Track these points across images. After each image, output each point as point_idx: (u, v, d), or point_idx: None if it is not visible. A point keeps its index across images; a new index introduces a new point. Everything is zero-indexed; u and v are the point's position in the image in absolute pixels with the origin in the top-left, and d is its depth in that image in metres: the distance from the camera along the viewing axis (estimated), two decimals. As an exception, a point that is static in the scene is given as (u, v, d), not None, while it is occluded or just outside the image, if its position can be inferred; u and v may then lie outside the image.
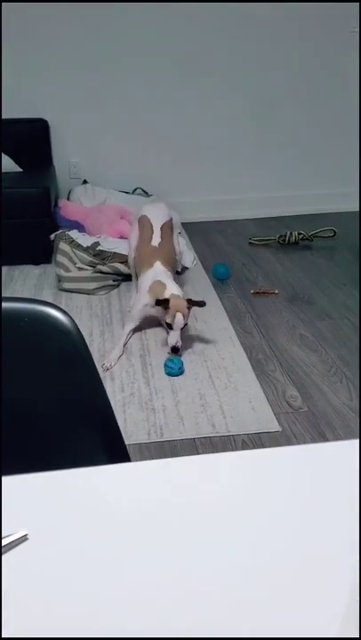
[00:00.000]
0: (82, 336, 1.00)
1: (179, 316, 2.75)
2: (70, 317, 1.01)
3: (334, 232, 4.16)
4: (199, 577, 0.65)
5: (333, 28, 4.33)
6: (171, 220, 3.33)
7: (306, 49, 4.39)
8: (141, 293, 2.97)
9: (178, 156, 4.50)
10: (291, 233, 4.10)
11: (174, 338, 2.76)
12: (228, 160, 4.57)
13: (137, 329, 3.03)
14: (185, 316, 2.77)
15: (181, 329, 2.77)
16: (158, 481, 0.80)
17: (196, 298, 3.30)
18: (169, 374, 2.70)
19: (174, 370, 2.69)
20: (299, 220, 4.50)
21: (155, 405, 2.51)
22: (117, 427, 1.01)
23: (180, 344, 2.76)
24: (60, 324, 1.00)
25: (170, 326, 2.77)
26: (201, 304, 2.82)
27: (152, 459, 2.19)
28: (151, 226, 3.21)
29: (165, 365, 2.72)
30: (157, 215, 3.28)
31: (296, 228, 4.18)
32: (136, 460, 1.07)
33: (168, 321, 2.76)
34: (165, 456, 2.23)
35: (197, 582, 0.64)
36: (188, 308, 2.79)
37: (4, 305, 1.00)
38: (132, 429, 2.36)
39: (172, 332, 2.77)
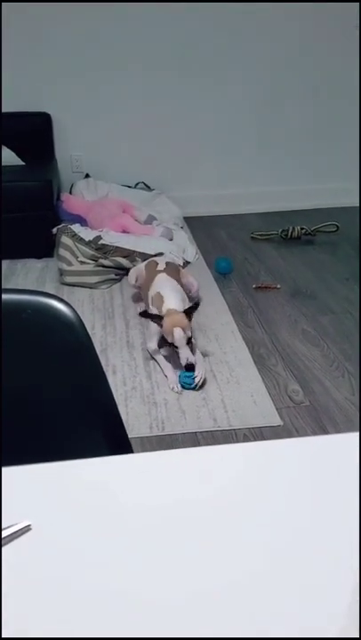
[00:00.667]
0: (84, 327, 1.00)
1: (177, 332, 2.48)
2: (73, 309, 1.00)
3: (337, 227, 4.14)
4: (198, 575, 0.64)
5: (335, 22, 4.31)
6: (178, 265, 3.23)
7: (308, 41, 4.37)
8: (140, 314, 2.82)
9: (180, 151, 4.49)
10: (293, 228, 4.09)
11: (184, 355, 2.49)
12: (230, 154, 4.55)
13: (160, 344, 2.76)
14: (185, 329, 2.50)
15: (188, 344, 2.52)
16: (160, 472, 0.80)
17: (198, 292, 3.30)
18: (184, 387, 2.55)
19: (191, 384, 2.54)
20: (301, 214, 4.49)
21: (156, 399, 2.51)
22: (120, 418, 1.01)
23: (192, 360, 2.50)
24: (63, 316, 1.00)
25: (174, 345, 2.52)
26: (196, 305, 2.64)
27: (154, 452, 2.20)
28: (156, 262, 3.08)
29: (180, 378, 2.56)
30: (164, 257, 3.26)
31: (299, 222, 4.17)
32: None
33: (169, 340, 2.52)
34: (167, 449, 2.23)
35: (197, 580, 0.64)
36: (189, 319, 2.55)
37: (7, 296, 1.00)
38: (133, 423, 2.36)
39: (179, 351, 2.51)
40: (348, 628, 0.57)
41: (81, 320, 1.01)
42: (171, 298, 2.69)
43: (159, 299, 2.71)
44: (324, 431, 2.32)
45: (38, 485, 0.76)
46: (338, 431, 2.32)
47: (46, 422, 1.02)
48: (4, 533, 0.64)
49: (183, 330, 2.50)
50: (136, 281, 3.15)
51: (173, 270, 3.08)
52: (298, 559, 0.66)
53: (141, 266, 3.18)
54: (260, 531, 0.70)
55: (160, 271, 2.98)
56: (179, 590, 0.63)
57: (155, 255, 3.53)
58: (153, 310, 2.71)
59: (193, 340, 2.59)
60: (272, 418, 2.40)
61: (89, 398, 1.03)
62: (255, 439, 2.29)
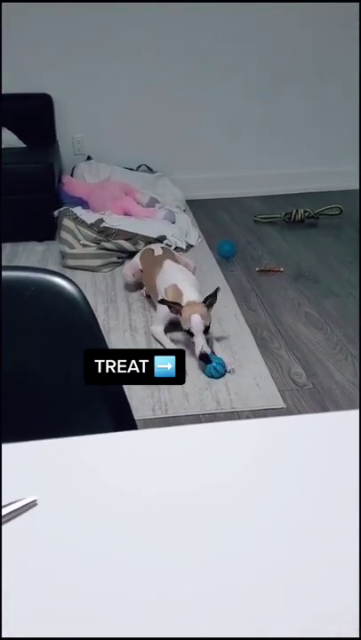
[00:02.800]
0: (89, 305, 0.99)
1: (195, 318, 2.48)
2: (77, 286, 0.99)
3: (340, 210, 4.12)
4: (198, 571, 0.63)
5: (336, 6, 4.24)
6: (173, 252, 3.20)
7: (310, 23, 4.32)
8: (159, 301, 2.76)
9: (183, 133, 4.45)
10: (296, 211, 4.06)
11: (199, 344, 2.46)
12: (233, 136, 4.52)
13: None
14: (203, 317, 2.50)
15: (205, 332, 2.50)
16: (165, 448, 0.79)
17: (201, 277, 3.28)
18: (212, 376, 2.48)
19: (218, 371, 2.48)
20: (305, 197, 4.45)
21: (159, 382, 2.50)
22: (125, 396, 1.01)
23: (207, 350, 2.47)
24: (67, 294, 0.98)
25: (190, 333, 2.52)
26: (215, 293, 2.60)
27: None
28: (152, 249, 3.09)
29: (208, 368, 2.48)
30: (157, 244, 3.24)
31: (302, 205, 4.14)
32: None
33: (185, 328, 2.53)
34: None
35: (196, 578, 0.62)
36: (208, 308, 2.55)
37: (11, 274, 0.99)
38: (136, 405, 2.35)
39: (195, 339, 2.49)
40: (348, 628, 0.57)
41: (85, 298, 0.99)
42: (189, 291, 2.67)
43: (176, 291, 2.68)
44: (327, 414, 2.32)
45: (44, 462, 0.76)
46: (341, 414, 2.32)
47: (51, 401, 1.01)
48: (10, 508, 0.63)
49: (201, 317, 2.50)
50: (133, 276, 3.15)
51: (172, 255, 3.07)
52: (297, 557, 0.65)
53: (135, 259, 3.16)
54: (258, 523, 0.68)
55: (162, 257, 2.97)
56: (179, 582, 0.61)
57: (157, 238, 3.51)
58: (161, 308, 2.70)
59: (209, 332, 2.56)
60: (275, 400, 2.39)
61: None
62: (258, 421, 2.29)
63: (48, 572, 0.61)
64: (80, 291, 0.99)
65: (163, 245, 3.25)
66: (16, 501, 0.64)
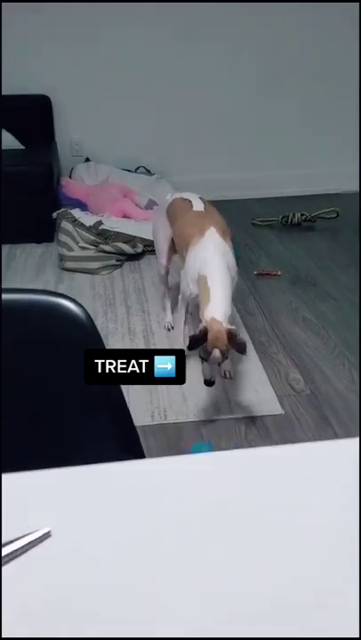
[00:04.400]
0: (94, 325, 1.00)
1: (215, 354, 2.11)
2: (82, 307, 1.00)
3: (337, 213, 4.12)
4: (201, 577, 0.64)
5: (336, 6, 4.25)
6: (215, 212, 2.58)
7: (308, 25, 4.32)
8: (185, 281, 2.38)
9: (181, 135, 4.45)
10: (293, 214, 4.07)
11: (208, 371, 2.23)
12: (231, 138, 4.52)
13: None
14: (223, 353, 2.13)
15: (219, 364, 2.24)
16: (175, 478, 0.78)
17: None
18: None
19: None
20: (302, 200, 4.46)
21: (158, 387, 2.52)
22: (129, 414, 1.02)
23: (214, 378, 2.26)
24: (72, 315, 0.99)
25: (204, 359, 2.18)
26: (240, 349, 2.14)
27: (157, 443, 2.21)
28: (188, 200, 2.54)
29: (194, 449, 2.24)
30: (191, 194, 2.64)
31: (299, 208, 4.14)
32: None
33: (202, 355, 2.15)
34: (170, 439, 2.24)
35: (198, 583, 0.63)
36: (227, 345, 2.13)
37: (13, 296, 1.00)
38: (135, 411, 2.34)
39: (205, 364, 2.20)
40: (348, 627, 0.57)
41: (90, 318, 1.00)
42: (218, 299, 2.17)
43: (205, 289, 2.19)
44: (325, 420, 2.34)
45: (55, 492, 0.75)
46: (338, 419, 2.34)
47: (56, 422, 1.02)
48: (25, 541, 0.64)
49: (222, 354, 2.13)
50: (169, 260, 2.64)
51: (215, 214, 2.50)
52: (298, 556, 0.65)
53: (162, 219, 2.64)
54: (260, 533, 0.69)
55: (204, 216, 2.45)
56: (178, 581, 0.62)
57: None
58: (189, 284, 2.33)
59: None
60: (273, 406, 2.41)
61: (98, 394, 1.03)
62: (256, 427, 2.31)
63: (60, 601, 0.62)
64: (85, 311, 1.00)
65: (200, 196, 2.62)
66: (30, 533, 0.64)
